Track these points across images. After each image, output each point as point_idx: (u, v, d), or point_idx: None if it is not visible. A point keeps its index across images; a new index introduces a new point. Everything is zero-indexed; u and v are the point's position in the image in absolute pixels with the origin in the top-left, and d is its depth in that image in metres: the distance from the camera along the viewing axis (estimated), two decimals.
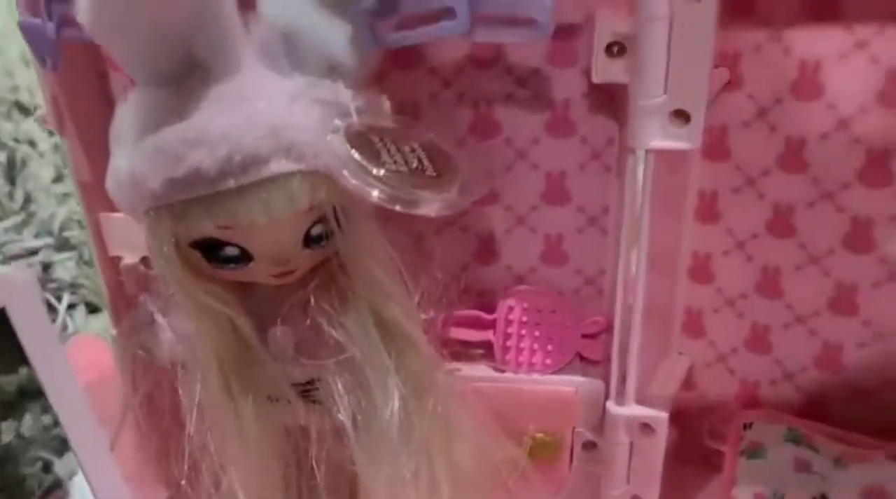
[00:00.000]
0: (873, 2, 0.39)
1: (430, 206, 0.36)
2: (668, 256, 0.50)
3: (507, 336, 0.50)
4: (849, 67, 0.41)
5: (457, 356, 0.51)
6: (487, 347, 0.51)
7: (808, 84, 0.42)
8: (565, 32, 0.42)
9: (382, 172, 0.35)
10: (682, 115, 0.38)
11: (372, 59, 0.38)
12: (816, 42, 0.41)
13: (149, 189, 0.36)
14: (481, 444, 0.44)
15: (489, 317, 0.50)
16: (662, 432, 0.47)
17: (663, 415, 0.46)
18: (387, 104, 0.40)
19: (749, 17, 0.42)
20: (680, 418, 0.55)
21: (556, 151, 0.46)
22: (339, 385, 0.41)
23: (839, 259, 0.45)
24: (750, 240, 0.47)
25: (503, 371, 0.50)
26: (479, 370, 0.51)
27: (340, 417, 0.40)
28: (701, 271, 0.50)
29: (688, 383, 0.53)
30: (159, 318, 0.42)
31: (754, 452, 0.48)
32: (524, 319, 0.49)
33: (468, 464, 0.43)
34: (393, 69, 0.45)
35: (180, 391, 0.42)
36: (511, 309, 0.49)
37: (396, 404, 0.40)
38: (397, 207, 0.35)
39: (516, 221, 0.48)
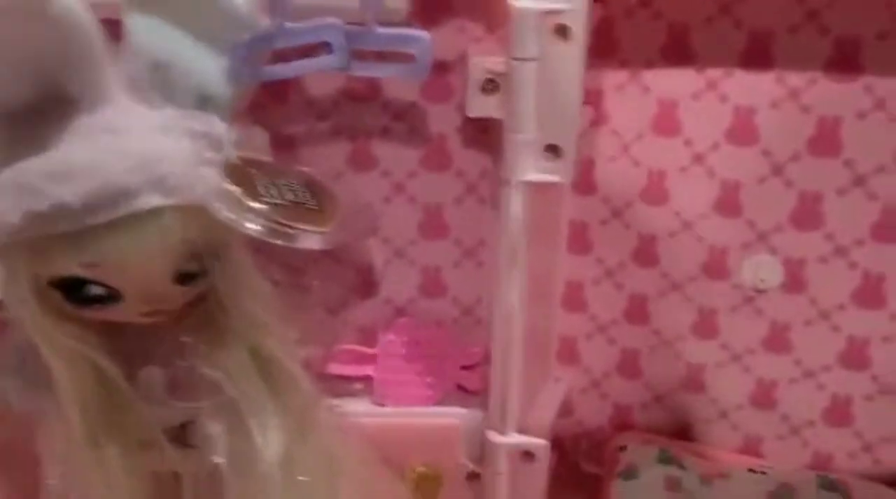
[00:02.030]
0: (721, 47, 0.43)
1: (311, 239, 0.35)
2: (544, 285, 0.51)
3: (388, 370, 0.49)
4: (701, 106, 0.44)
5: (337, 392, 0.51)
6: (368, 381, 0.50)
7: (666, 121, 0.45)
8: (440, 69, 0.43)
9: (260, 205, 0.35)
10: (553, 150, 0.40)
11: (247, 91, 0.37)
12: (672, 82, 0.44)
13: (7, 223, 0.34)
14: (365, 481, 0.44)
15: (369, 351, 0.49)
16: (544, 460, 0.48)
17: (544, 442, 0.47)
18: (264, 137, 0.40)
19: (611, 58, 0.45)
20: (557, 443, 0.56)
21: (433, 185, 0.47)
22: (216, 427, 0.39)
23: (700, 285, 0.48)
24: (618, 269, 0.50)
25: (384, 405, 0.50)
26: (360, 405, 0.50)
27: (217, 460, 0.39)
28: (574, 300, 0.52)
29: (565, 409, 0.55)
30: (15, 362, 0.39)
31: (629, 473, 0.49)
32: (404, 352, 0.49)
33: None
34: (269, 102, 0.44)
35: (40, 441, 0.39)
36: (391, 342, 0.49)
37: (276, 444, 0.39)
38: (277, 241, 0.35)
39: (394, 253, 0.49)
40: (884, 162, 0.42)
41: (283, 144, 0.45)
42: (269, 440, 0.39)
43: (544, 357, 0.54)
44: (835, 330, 0.46)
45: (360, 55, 0.36)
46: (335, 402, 0.49)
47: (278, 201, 0.35)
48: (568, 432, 0.56)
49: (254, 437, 0.39)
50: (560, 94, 0.38)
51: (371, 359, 0.49)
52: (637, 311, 0.50)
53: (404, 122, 0.45)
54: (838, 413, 0.48)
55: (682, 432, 0.52)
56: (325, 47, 0.35)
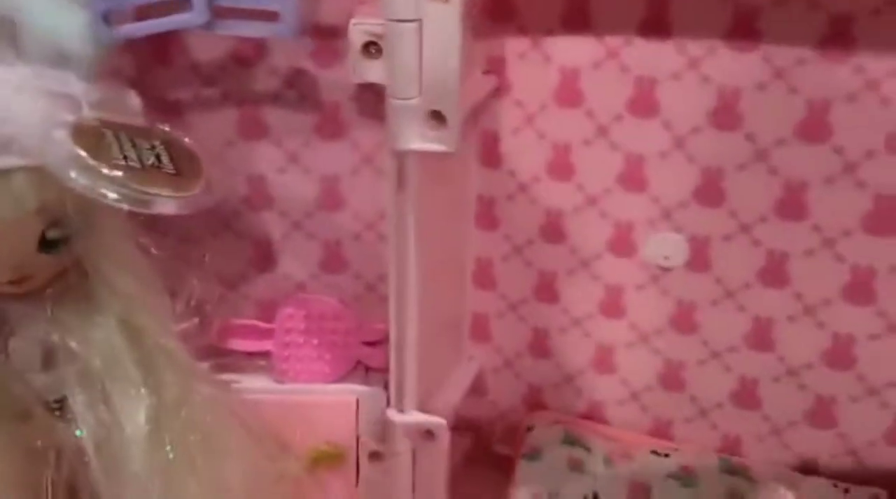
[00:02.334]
0: (620, 15, 0.41)
1: (166, 204, 0.34)
2: (454, 262, 0.50)
3: (287, 346, 0.48)
4: (603, 76, 0.42)
5: (237, 368, 0.49)
6: (268, 357, 0.49)
7: (568, 91, 0.43)
8: (328, 33, 0.42)
9: (111, 170, 0.33)
10: (438, 117, 0.38)
11: (110, 49, 0.36)
12: (573, 50, 0.42)
13: None
14: (250, 459, 0.42)
15: (267, 326, 0.48)
16: (444, 439, 0.46)
17: (442, 421, 0.46)
18: (135, 100, 0.38)
19: (509, 24, 0.43)
20: (473, 425, 0.55)
21: (328, 155, 0.45)
22: (80, 399, 0.38)
23: (606, 263, 0.47)
24: (526, 246, 0.48)
25: (283, 382, 0.49)
26: (258, 382, 0.49)
27: (79, 433, 0.37)
28: (484, 277, 0.50)
29: (479, 389, 0.53)
30: None
31: (533, 454, 0.48)
32: (303, 327, 0.48)
33: (234, 481, 0.41)
34: (154, 66, 0.43)
35: None
36: (290, 317, 0.48)
37: (141, 417, 0.37)
38: (129, 207, 0.33)
39: (292, 226, 0.47)
40: (784, 135, 0.40)
41: (169, 110, 0.43)
42: (133, 413, 0.37)
43: (457, 335, 0.53)
44: (741, 310, 0.45)
45: (224, 13, 0.34)
46: (231, 377, 0.48)
47: (135, 165, 0.34)
48: (483, 412, 0.54)
49: (118, 409, 0.37)
50: (440, 57, 0.36)
51: (269, 334, 0.48)
52: (546, 289, 0.49)
53: (295, 89, 0.43)
54: (746, 396, 0.47)
55: (594, 413, 0.51)
56: (185, 5, 0.34)
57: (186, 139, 0.36)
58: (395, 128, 0.39)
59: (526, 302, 0.50)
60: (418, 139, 0.39)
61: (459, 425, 0.53)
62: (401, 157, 0.40)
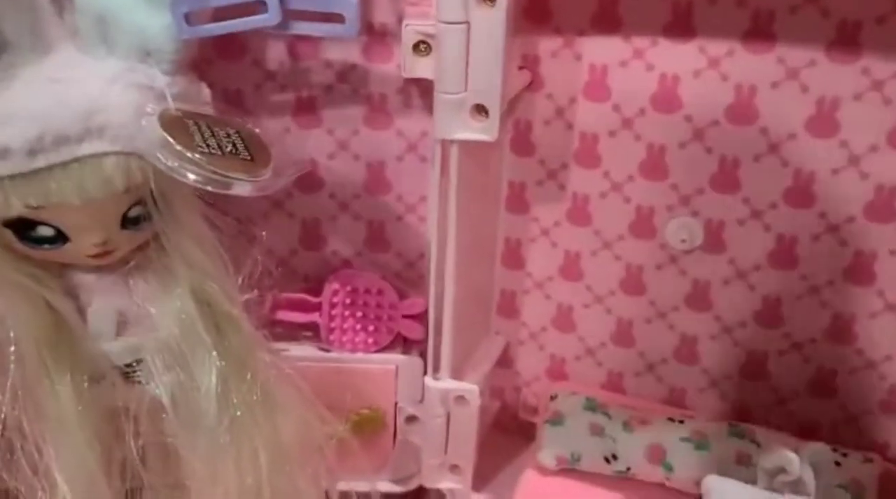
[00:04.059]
0: (647, 18, 0.45)
1: (243, 187, 0.38)
2: (485, 242, 0.54)
3: (332, 318, 0.52)
4: (629, 73, 0.46)
5: (286, 338, 0.54)
6: (315, 328, 0.53)
7: (597, 86, 0.47)
8: (380, 32, 0.46)
9: (196, 155, 0.37)
10: (481, 110, 0.42)
11: (189, 46, 0.40)
12: (602, 50, 0.46)
13: None
14: (303, 418, 0.46)
15: (315, 300, 0.52)
16: (475, 404, 0.51)
17: (475, 388, 0.50)
18: (206, 91, 0.42)
19: (546, 25, 0.47)
20: (500, 393, 0.59)
21: (375, 143, 0.49)
22: (158, 363, 0.42)
23: (628, 244, 0.51)
24: (553, 228, 0.52)
25: (329, 351, 0.53)
26: (306, 351, 0.53)
27: (158, 392, 0.41)
28: (512, 257, 0.54)
29: (505, 360, 0.58)
30: None
31: (556, 420, 0.52)
32: (348, 301, 0.52)
33: (289, 437, 0.45)
34: (217, 60, 0.47)
35: None
36: (336, 292, 0.52)
37: (214, 378, 0.41)
38: (210, 188, 0.37)
39: (340, 208, 0.51)
40: (795, 130, 0.44)
41: (232, 100, 0.47)
42: (206, 374, 0.41)
43: (485, 310, 0.57)
44: (751, 289, 0.49)
45: (294, 14, 0.38)
46: (281, 346, 0.52)
47: (215, 152, 0.38)
48: (509, 382, 0.59)
49: (192, 371, 0.42)
50: (485, 56, 0.40)
51: (317, 307, 0.52)
52: (571, 268, 0.53)
53: (347, 82, 0.47)
54: (754, 368, 0.51)
55: (613, 383, 0.55)
56: (261, 7, 0.38)
57: (257, 130, 0.40)
58: (442, 119, 0.43)
59: (551, 280, 0.54)
60: (463, 129, 0.43)
61: (489, 394, 0.58)
62: (445, 145, 0.44)
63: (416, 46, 0.43)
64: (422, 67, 0.43)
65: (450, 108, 0.42)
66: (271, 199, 0.51)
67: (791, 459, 0.45)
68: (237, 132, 0.40)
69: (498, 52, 0.40)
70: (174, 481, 0.45)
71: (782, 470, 0.45)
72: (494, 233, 0.54)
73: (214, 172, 0.37)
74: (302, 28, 0.39)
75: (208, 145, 0.38)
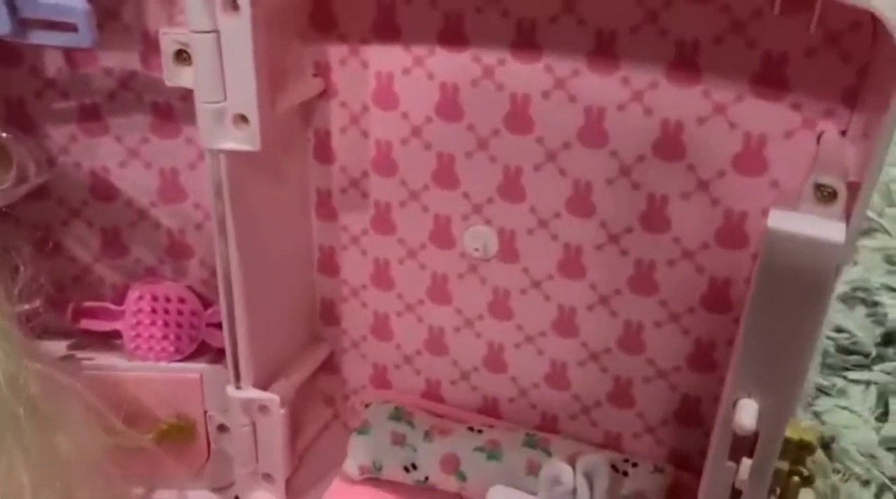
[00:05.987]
0: (424, 24, 0.44)
1: None
2: (299, 250, 0.53)
3: (135, 326, 0.52)
4: (413, 81, 0.46)
5: (97, 346, 0.53)
6: (121, 337, 0.53)
7: (385, 94, 0.47)
8: (155, 40, 0.45)
9: None
10: (243, 119, 0.42)
11: None
12: (386, 57, 0.46)
13: None
14: (85, 432, 0.46)
15: (118, 308, 0.52)
16: (277, 413, 0.50)
17: (275, 397, 0.50)
18: None
19: (330, 33, 0.46)
20: (331, 401, 0.59)
21: (166, 150, 0.49)
22: None
23: (430, 253, 0.50)
24: (361, 236, 0.52)
25: (133, 360, 0.52)
26: (112, 360, 0.52)
27: None
28: (328, 264, 0.54)
29: (332, 367, 0.57)
30: None
31: (363, 429, 0.52)
32: (149, 309, 0.52)
33: (68, 452, 0.45)
34: None
35: None
36: (138, 300, 0.52)
37: None
38: None
39: (138, 215, 0.51)
40: (568, 139, 0.44)
41: (14, 109, 0.47)
42: None
43: (307, 318, 0.56)
44: (546, 299, 0.49)
45: (27, 24, 0.38)
46: (87, 355, 0.52)
47: None
48: (338, 391, 0.58)
49: None
50: (238, 64, 0.40)
51: (120, 315, 0.52)
52: (382, 277, 0.53)
53: (130, 90, 0.47)
54: (557, 377, 0.51)
55: (431, 392, 0.55)
56: None
57: (4, 134, 0.40)
58: (205, 129, 0.42)
59: (366, 288, 0.54)
60: (227, 139, 0.42)
61: (321, 401, 0.58)
62: (214, 155, 0.43)
63: (178, 55, 0.42)
64: (185, 77, 0.42)
65: (211, 117, 0.42)
66: (67, 207, 0.50)
67: (563, 469, 0.45)
68: None
69: (248, 60, 0.40)
70: None
71: (558, 481, 0.45)
72: (308, 241, 0.54)
73: None
74: (37, 37, 0.38)
75: None
